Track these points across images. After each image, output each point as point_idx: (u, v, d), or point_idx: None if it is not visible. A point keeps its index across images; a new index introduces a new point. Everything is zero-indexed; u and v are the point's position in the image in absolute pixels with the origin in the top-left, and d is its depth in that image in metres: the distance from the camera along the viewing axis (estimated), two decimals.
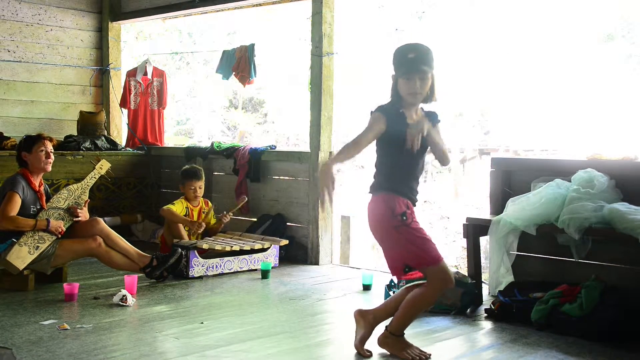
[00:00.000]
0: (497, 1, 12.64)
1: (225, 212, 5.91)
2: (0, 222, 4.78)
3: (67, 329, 3.93)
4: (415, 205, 3.50)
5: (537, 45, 13.21)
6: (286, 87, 14.39)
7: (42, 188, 5.08)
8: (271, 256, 5.81)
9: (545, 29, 13.10)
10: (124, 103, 7.75)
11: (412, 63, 3.35)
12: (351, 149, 3.39)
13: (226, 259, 5.56)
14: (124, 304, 4.49)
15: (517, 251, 4.76)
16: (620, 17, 12.80)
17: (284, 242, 5.99)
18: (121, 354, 3.53)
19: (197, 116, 16.11)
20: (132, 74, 7.72)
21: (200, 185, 5.90)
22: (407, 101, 3.41)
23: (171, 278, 5.30)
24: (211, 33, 14.77)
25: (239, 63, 6.96)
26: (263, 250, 5.78)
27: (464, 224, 4.80)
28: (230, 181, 6.85)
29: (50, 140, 5.13)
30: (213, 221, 6.00)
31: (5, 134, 6.81)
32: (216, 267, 5.50)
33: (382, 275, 5.48)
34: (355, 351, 3.62)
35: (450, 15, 13.36)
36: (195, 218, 5.85)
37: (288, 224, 6.38)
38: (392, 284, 4.66)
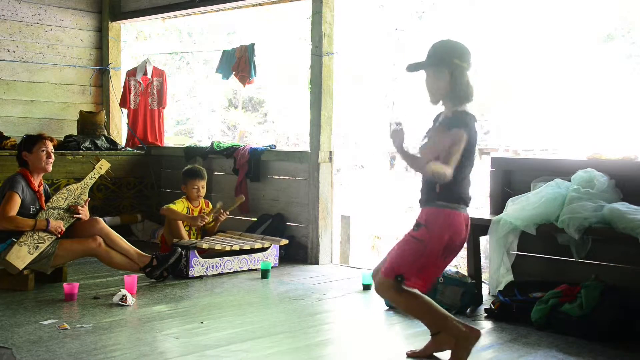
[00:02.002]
0: (497, 1, 12.64)
1: (222, 210, 5.91)
2: None
3: (67, 329, 3.93)
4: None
5: (537, 45, 13.22)
6: (286, 87, 14.40)
7: (41, 188, 5.07)
8: (271, 256, 5.81)
9: (545, 29, 13.10)
10: (123, 103, 7.75)
11: (424, 60, 3.37)
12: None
13: (226, 258, 5.55)
14: (124, 303, 4.49)
15: (517, 251, 4.76)
16: (620, 17, 12.81)
17: (284, 241, 5.99)
18: (121, 354, 3.53)
19: (197, 116, 16.13)
20: (132, 73, 7.72)
21: (203, 185, 5.91)
22: None
23: (171, 278, 5.30)
24: (211, 33, 14.78)
25: (239, 63, 6.96)
26: (263, 249, 5.77)
27: None
28: (230, 181, 6.85)
29: (51, 140, 5.12)
30: (211, 219, 5.99)
31: (5, 134, 6.81)
32: (216, 266, 5.50)
33: None
34: (354, 351, 3.62)
35: (450, 15, 13.36)
36: None
37: (288, 223, 6.38)
38: None
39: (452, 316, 3.37)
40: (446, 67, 3.29)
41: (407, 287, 3.29)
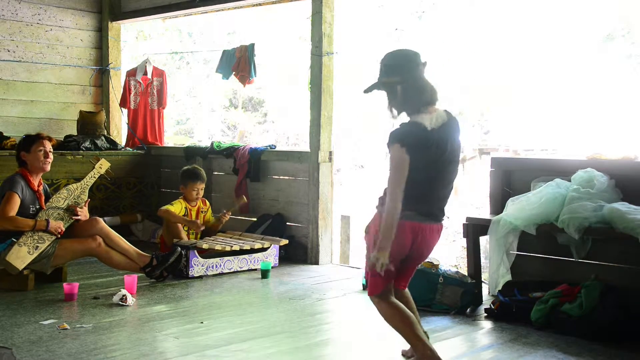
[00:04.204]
0: (497, 1, 12.64)
1: (224, 212, 5.91)
2: None
3: (66, 329, 3.93)
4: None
5: (537, 45, 13.21)
6: (286, 87, 14.39)
7: (41, 188, 5.07)
8: (271, 256, 5.81)
9: (545, 29, 13.09)
10: (123, 103, 7.75)
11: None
12: None
13: (226, 258, 5.55)
14: (124, 303, 4.49)
15: (517, 251, 4.76)
16: (620, 17, 12.80)
17: (284, 241, 5.99)
18: (121, 354, 3.53)
19: (197, 116, 16.12)
20: (132, 73, 7.72)
21: (202, 187, 5.91)
22: None
23: (171, 278, 5.30)
24: (211, 33, 14.77)
25: (239, 63, 6.95)
26: (263, 250, 5.77)
27: (464, 224, 4.80)
28: (230, 181, 6.85)
29: (50, 139, 5.12)
30: (212, 220, 6.01)
31: (5, 134, 6.81)
32: (216, 266, 5.50)
33: None
34: (354, 351, 3.63)
35: (450, 15, 13.36)
36: (193, 218, 5.84)
37: (288, 223, 6.38)
38: None
39: (425, 341, 3.27)
40: (382, 87, 3.31)
41: (386, 293, 3.29)
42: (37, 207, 4.98)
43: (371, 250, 3.26)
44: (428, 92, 3.25)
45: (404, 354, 3.60)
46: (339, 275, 5.65)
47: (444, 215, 3.34)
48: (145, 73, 7.67)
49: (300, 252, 6.19)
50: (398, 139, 3.16)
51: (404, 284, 3.50)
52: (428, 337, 3.40)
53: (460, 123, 3.38)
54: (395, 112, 3.30)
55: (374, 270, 3.19)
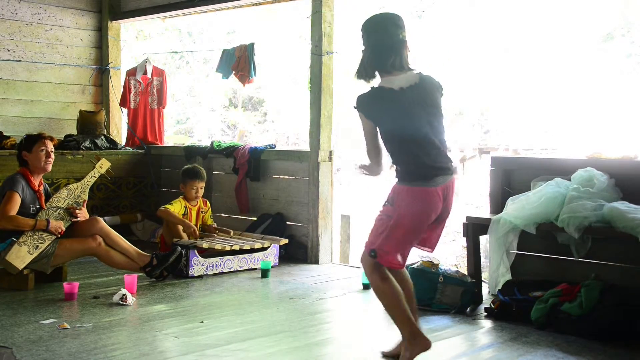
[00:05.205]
0: (497, 1, 12.65)
1: (216, 227, 5.99)
2: None
3: (67, 328, 3.93)
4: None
5: (537, 44, 13.22)
6: (286, 86, 14.40)
7: (41, 188, 5.07)
8: (271, 255, 5.81)
9: (545, 28, 13.10)
10: (123, 102, 7.75)
11: None
12: None
13: (226, 258, 5.56)
14: (124, 303, 4.49)
15: (517, 250, 4.76)
16: (620, 17, 12.81)
17: (284, 241, 5.99)
18: (121, 353, 3.53)
19: (196, 115, 16.13)
20: (131, 73, 7.72)
21: (202, 186, 5.90)
22: None
23: (171, 277, 5.30)
24: (211, 32, 14.78)
25: (239, 62, 6.95)
26: (263, 249, 5.77)
27: (463, 223, 4.80)
28: (230, 180, 6.85)
29: (51, 139, 5.12)
30: (210, 221, 6.01)
31: (5, 134, 6.80)
32: (216, 266, 5.50)
33: None
34: (354, 350, 3.63)
35: (450, 15, 13.37)
36: (193, 218, 5.85)
37: (288, 223, 6.38)
38: None
39: (413, 321, 3.30)
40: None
41: (383, 266, 3.31)
42: (38, 206, 4.98)
43: (392, 219, 3.27)
44: (389, 55, 3.32)
45: (384, 354, 3.57)
46: (338, 274, 5.65)
47: (452, 162, 3.35)
48: (145, 72, 7.67)
49: (300, 251, 6.20)
50: (356, 103, 3.33)
51: (434, 244, 3.50)
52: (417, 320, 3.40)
53: (440, 82, 3.39)
54: (361, 79, 3.39)
55: (399, 241, 3.24)
